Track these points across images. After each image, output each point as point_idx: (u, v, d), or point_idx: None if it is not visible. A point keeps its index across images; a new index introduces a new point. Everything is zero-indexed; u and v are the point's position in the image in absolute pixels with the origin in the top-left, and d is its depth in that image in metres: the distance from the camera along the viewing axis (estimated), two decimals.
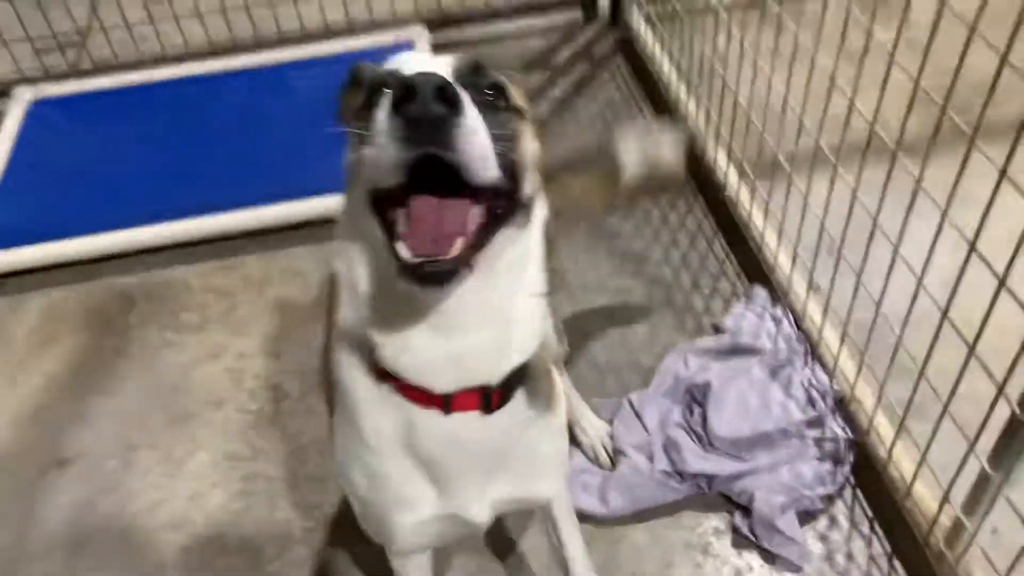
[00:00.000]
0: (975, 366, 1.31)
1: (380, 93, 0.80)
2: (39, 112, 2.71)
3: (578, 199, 1.42)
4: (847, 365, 1.78)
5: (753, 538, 1.64)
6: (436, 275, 0.77)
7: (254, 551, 1.70)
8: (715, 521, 1.70)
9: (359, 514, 1.11)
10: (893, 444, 1.61)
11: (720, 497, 1.72)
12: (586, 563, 1.46)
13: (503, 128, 0.80)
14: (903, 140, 1.41)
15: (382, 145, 0.74)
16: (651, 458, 1.74)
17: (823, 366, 1.82)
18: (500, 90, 0.86)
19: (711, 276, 2.17)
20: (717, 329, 2.00)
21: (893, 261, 1.46)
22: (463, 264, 0.79)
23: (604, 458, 1.77)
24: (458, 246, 0.78)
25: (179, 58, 2.86)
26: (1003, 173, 1.14)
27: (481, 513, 1.03)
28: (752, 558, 1.64)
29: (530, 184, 0.88)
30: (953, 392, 1.36)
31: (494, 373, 0.91)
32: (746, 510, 1.67)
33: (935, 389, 1.42)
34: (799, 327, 1.91)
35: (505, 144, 0.79)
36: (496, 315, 0.89)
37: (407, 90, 0.71)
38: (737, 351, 1.89)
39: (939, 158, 1.32)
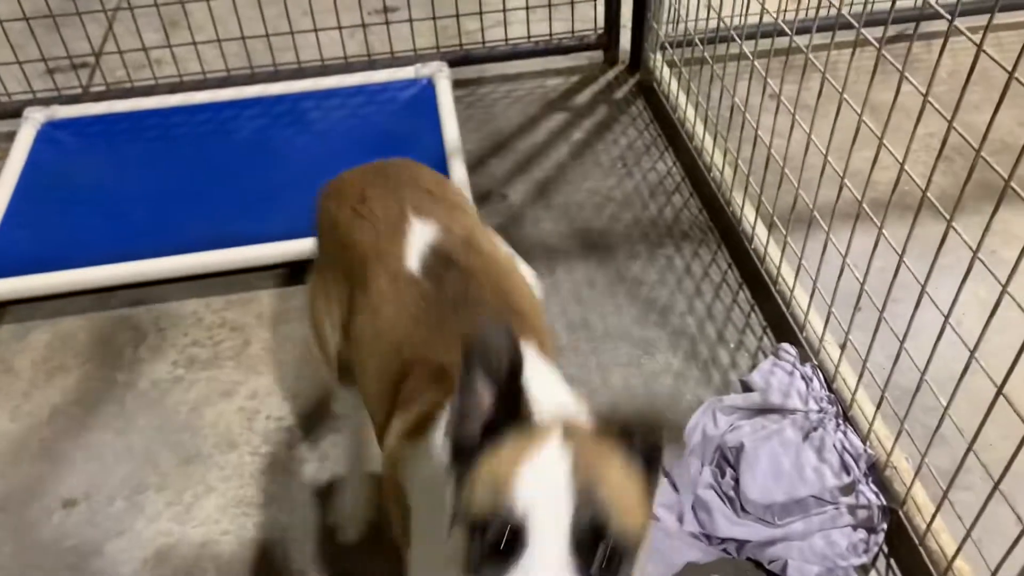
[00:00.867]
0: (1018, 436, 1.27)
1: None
2: (50, 134, 2.65)
3: None
4: (881, 429, 1.75)
5: None
6: None
7: None
8: None
9: None
10: (933, 517, 1.57)
11: (751, 563, 1.68)
12: None
13: None
14: (934, 195, 1.39)
15: None
16: (680, 519, 1.70)
17: (855, 428, 1.78)
18: (618, 552, 0.81)
19: (736, 329, 2.14)
20: (745, 386, 1.96)
21: (942, 330, 1.43)
22: None
23: None
24: None
25: (196, 84, 2.82)
26: None
27: None
28: None
29: None
30: (1006, 471, 1.33)
31: None
32: None
33: (985, 466, 1.38)
34: (830, 388, 1.88)
35: None
36: None
37: None
38: (767, 410, 1.85)
39: (965, 217, 1.31)
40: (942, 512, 1.58)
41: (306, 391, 2.01)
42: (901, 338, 1.57)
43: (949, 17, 1.32)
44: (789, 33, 1.89)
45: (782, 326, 2.08)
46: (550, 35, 2.95)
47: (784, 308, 2.05)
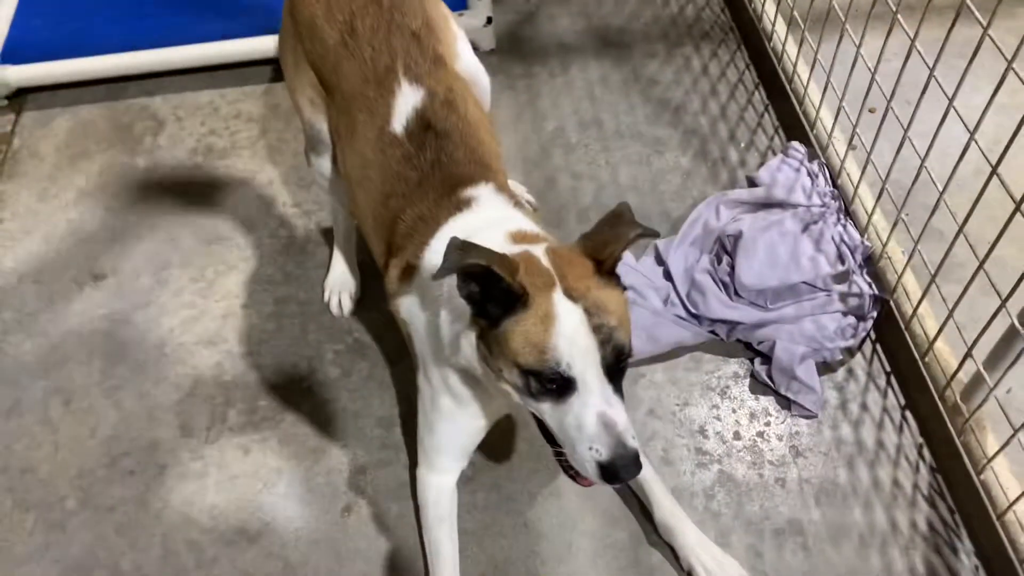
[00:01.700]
0: (1008, 233, 1.30)
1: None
2: None
3: None
4: (880, 223, 1.78)
5: (771, 384, 1.69)
6: None
7: (286, 368, 1.76)
8: (734, 367, 1.74)
9: (433, 442, 1.43)
10: (920, 301, 1.63)
11: (741, 345, 1.76)
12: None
13: (621, 380, 1.14)
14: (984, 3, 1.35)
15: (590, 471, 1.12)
16: (666, 302, 1.77)
17: (855, 223, 1.82)
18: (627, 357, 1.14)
19: (748, 129, 2.14)
20: (751, 182, 1.98)
21: (947, 110, 1.43)
22: None
23: None
24: None
25: None
26: None
27: None
28: (768, 403, 1.69)
29: None
30: (994, 245, 1.36)
31: None
32: (766, 358, 1.71)
33: (972, 247, 1.42)
34: (834, 183, 1.89)
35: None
36: None
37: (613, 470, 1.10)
38: (770, 204, 1.89)
39: (998, 19, 1.28)
40: (929, 300, 1.64)
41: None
42: (905, 127, 1.57)
43: None
44: None
45: (794, 126, 2.07)
46: None
47: (797, 106, 2.04)
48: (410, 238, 1.36)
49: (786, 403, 1.68)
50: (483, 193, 1.36)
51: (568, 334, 1.08)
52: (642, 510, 1.53)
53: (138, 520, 1.57)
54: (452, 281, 1.15)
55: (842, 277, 1.74)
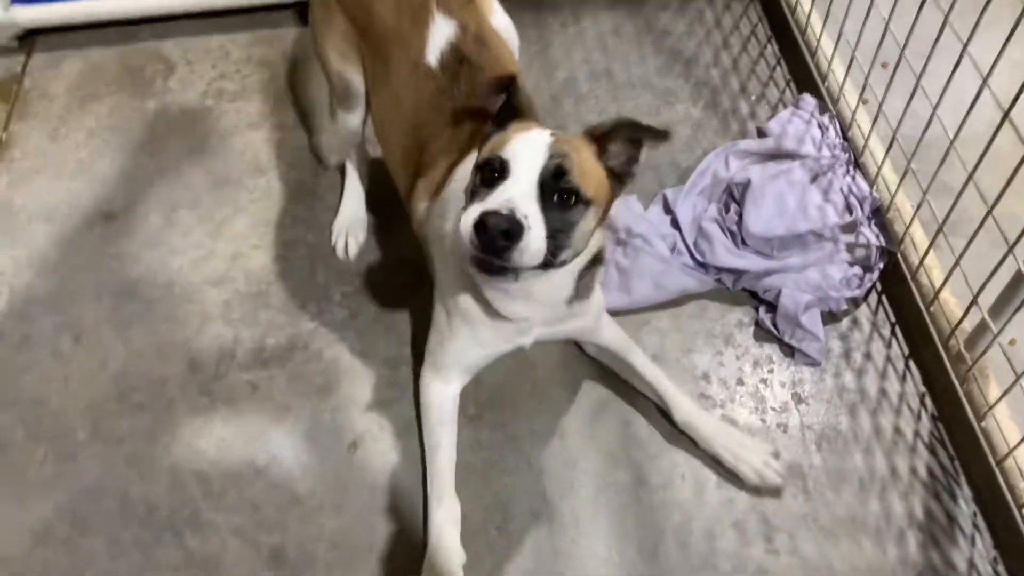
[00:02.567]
0: (1015, 187, 1.30)
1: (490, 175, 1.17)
2: None
3: None
4: (889, 175, 1.78)
5: (775, 332, 1.70)
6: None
7: (294, 309, 1.77)
8: (739, 315, 1.75)
9: (441, 356, 1.47)
10: (927, 253, 1.63)
11: (746, 293, 1.77)
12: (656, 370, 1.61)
13: (563, 222, 1.15)
14: None
15: (467, 234, 1.12)
16: (673, 249, 1.77)
17: (864, 175, 1.82)
18: (573, 192, 1.15)
19: (760, 82, 2.13)
20: (761, 132, 1.98)
21: (959, 60, 1.42)
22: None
23: None
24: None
25: None
26: None
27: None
28: (772, 351, 1.70)
29: (573, 254, 1.22)
30: (1000, 197, 1.36)
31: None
32: (771, 306, 1.72)
33: (983, 195, 1.42)
34: (844, 136, 1.89)
35: (561, 235, 1.15)
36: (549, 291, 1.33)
37: (483, 221, 1.09)
38: (780, 155, 1.88)
39: None
40: (936, 252, 1.64)
41: (330, 126, 2.06)
42: (917, 76, 1.56)
43: None
44: None
45: (805, 80, 2.06)
46: None
47: (809, 59, 2.03)
48: (442, 156, 1.41)
49: (790, 351, 1.69)
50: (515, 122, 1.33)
51: (526, 141, 1.16)
52: (659, 412, 1.58)
53: (147, 452, 1.59)
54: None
55: (850, 227, 1.74)
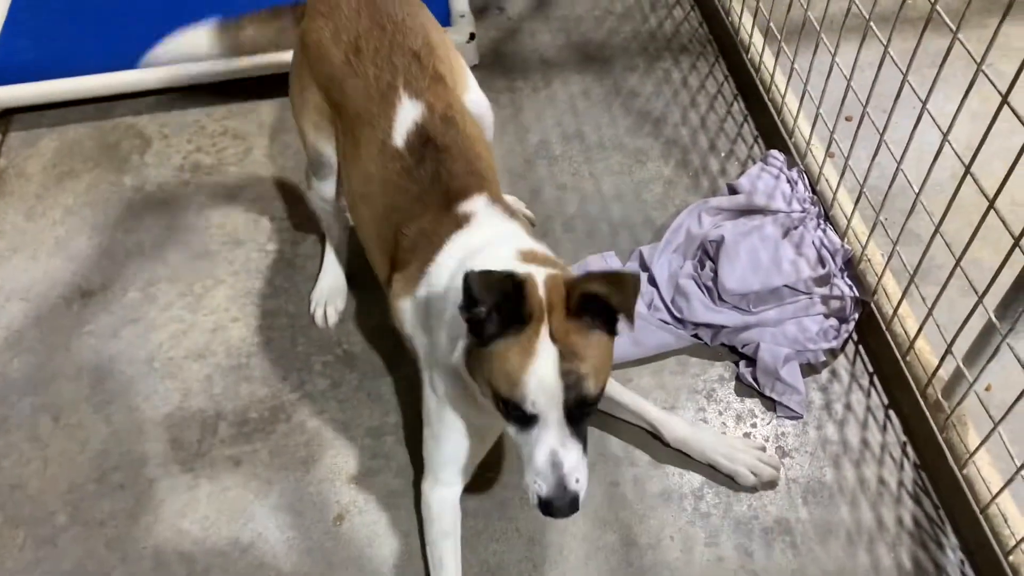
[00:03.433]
0: (982, 235, 1.33)
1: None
2: None
3: None
4: (859, 227, 1.81)
5: (756, 386, 1.71)
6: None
7: (276, 380, 1.76)
8: (720, 370, 1.76)
9: (438, 454, 1.45)
10: (900, 302, 1.66)
11: (725, 348, 1.78)
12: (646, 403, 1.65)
13: (586, 417, 1.18)
14: (953, 14, 1.39)
15: (527, 480, 1.18)
16: (650, 306, 1.79)
17: (835, 227, 1.85)
18: (593, 401, 1.17)
19: (728, 139, 2.18)
20: (732, 189, 2.02)
21: (920, 115, 1.47)
22: None
23: None
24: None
25: None
26: None
27: None
28: (754, 404, 1.71)
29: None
30: (967, 247, 1.40)
31: None
32: (750, 360, 1.74)
33: (949, 246, 1.45)
34: (813, 190, 1.93)
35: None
36: None
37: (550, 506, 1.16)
38: (751, 210, 1.92)
39: (967, 31, 1.32)
40: (909, 301, 1.67)
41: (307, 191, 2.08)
42: (881, 130, 1.61)
43: None
44: None
45: (773, 135, 2.11)
46: None
47: (775, 115, 2.08)
48: (414, 252, 1.40)
49: (771, 404, 1.70)
50: (480, 207, 1.40)
51: (540, 374, 1.13)
52: (649, 442, 1.57)
53: (129, 534, 1.57)
54: (455, 294, 1.21)
55: (823, 280, 1.77)
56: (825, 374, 1.75)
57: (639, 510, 1.56)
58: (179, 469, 1.64)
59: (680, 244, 1.90)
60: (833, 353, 1.76)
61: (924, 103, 1.46)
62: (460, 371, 1.27)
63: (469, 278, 1.09)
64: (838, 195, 1.86)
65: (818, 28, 1.82)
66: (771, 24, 2.08)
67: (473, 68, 2.34)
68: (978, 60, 1.29)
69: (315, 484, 1.61)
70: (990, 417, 1.41)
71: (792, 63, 1.98)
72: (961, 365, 1.47)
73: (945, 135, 1.41)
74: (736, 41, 2.27)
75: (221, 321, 1.87)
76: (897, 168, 1.58)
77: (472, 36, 2.30)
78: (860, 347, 1.78)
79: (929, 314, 1.54)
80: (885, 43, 1.56)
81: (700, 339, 1.77)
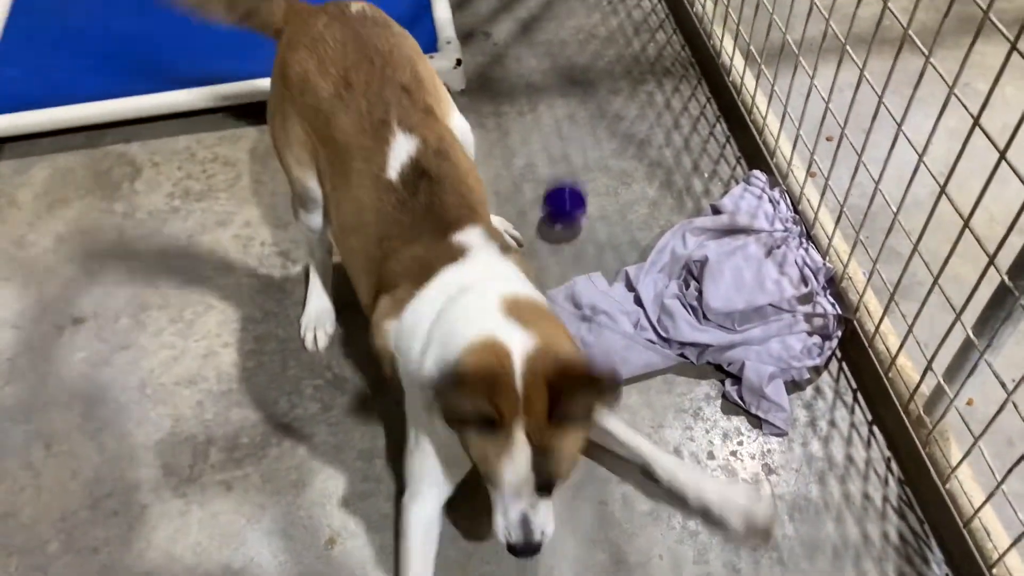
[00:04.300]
0: (961, 251, 1.36)
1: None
2: None
3: None
4: (840, 246, 1.85)
5: (742, 404, 1.74)
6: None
7: (266, 404, 1.78)
8: (706, 388, 1.79)
9: (415, 469, 1.48)
10: (881, 319, 1.69)
11: (711, 367, 1.81)
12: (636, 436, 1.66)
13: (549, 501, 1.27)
14: (911, 31, 1.42)
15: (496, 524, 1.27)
16: (636, 326, 1.82)
17: (817, 246, 1.88)
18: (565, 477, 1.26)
19: (711, 160, 2.21)
20: (716, 210, 2.05)
21: (896, 136, 1.50)
22: None
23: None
24: None
25: None
26: (1014, 45, 1.17)
27: None
28: (740, 423, 1.73)
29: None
30: (944, 265, 1.43)
31: None
32: (736, 379, 1.76)
33: (927, 264, 1.48)
34: (795, 209, 1.96)
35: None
36: None
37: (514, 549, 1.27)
38: (734, 230, 1.95)
39: (944, 51, 1.35)
40: (891, 318, 1.70)
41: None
42: (859, 151, 1.64)
43: None
44: None
45: (755, 156, 2.15)
46: None
47: (756, 136, 2.12)
48: (403, 276, 1.42)
49: (757, 422, 1.73)
50: (474, 240, 1.42)
51: (513, 469, 1.21)
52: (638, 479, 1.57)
53: (122, 560, 1.57)
54: (438, 332, 1.30)
55: (806, 298, 1.80)
56: (809, 391, 1.77)
57: (628, 529, 1.58)
58: (171, 495, 1.65)
59: (665, 264, 1.93)
60: (817, 370, 1.79)
61: (899, 125, 1.49)
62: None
63: (441, 395, 1.16)
64: (819, 214, 1.89)
65: (796, 51, 1.86)
66: (751, 47, 2.13)
67: (460, 93, 2.39)
68: (951, 83, 1.32)
69: (306, 508, 1.63)
70: (971, 432, 1.44)
71: (772, 85, 2.02)
72: (941, 381, 1.50)
73: (920, 156, 1.45)
74: (718, 64, 2.31)
75: (212, 346, 1.88)
76: (875, 188, 1.61)
77: (459, 62, 2.33)
78: (843, 364, 1.81)
79: (909, 331, 1.57)
80: (861, 66, 1.59)
81: (686, 358, 1.80)
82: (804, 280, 1.82)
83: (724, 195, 2.07)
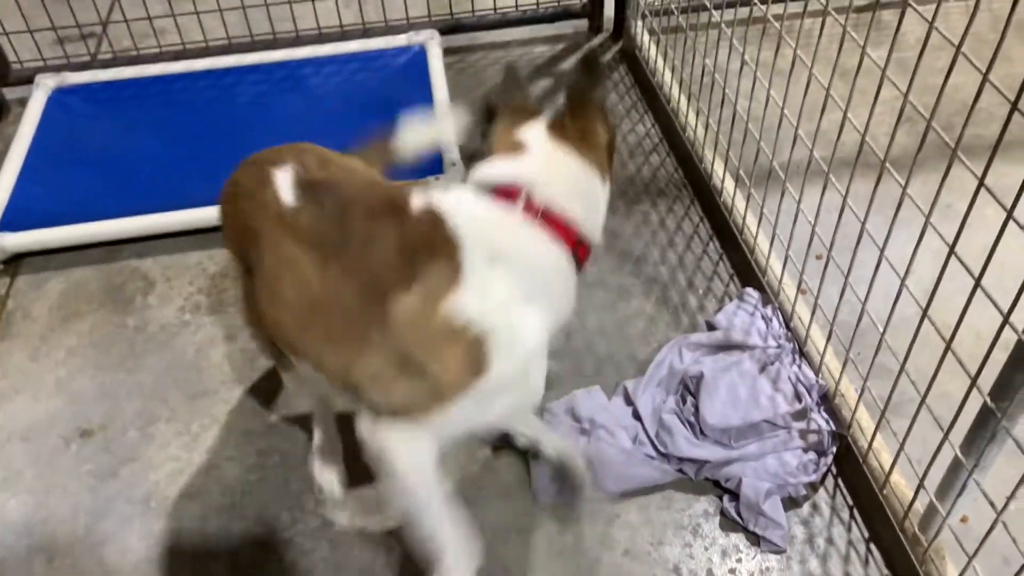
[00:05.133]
0: (950, 368, 1.42)
1: None
2: (61, 99, 2.80)
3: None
4: (832, 363, 1.90)
5: (740, 521, 1.75)
6: None
7: (268, 519, 1.79)
8: (704, 504, 1.80)
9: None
10: (873, 437, 1.72)
11: (709, 483, 1.83)
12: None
13: None
14: (891, 155, 1.51)
15: None
16: (635, 440, 1.85)
17: (809, 363, 1.93)
18: None
19: (705, 277, 2.29)
20: (710, 326, 2.11)
21: (879, 261, 1.57)
22: None
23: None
24: None
25: (198, 52, 2.95)
26: (981, 182, 1.25)
27: None
28: (738, 539, 1.74)
29: None
30: (931, 385, 1.48)
31: None
32: (734, 495, 1.78)
33: (914, 383, 1.53)
34: (787, 326, 2.02)
35: None
36: None
37: None
38: (729, 346, 2.00)
39: (924, 174, 1.44)
40: (883, 434, 1.73)
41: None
42: (846, 272, 1.71)
43: None
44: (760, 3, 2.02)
45: (747, 273, 2.22)
46: (537, 4, 3.07)
47: (748, 255, 2.20)
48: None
49: (755, 539, 1.74)
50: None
51: None
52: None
53: None
54: None
55: (800, 415, 1.84)
56: (806, 507, 1.79)
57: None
58: None
59: (663, 378, 1.98)
60: (813, 487, 1.81)
61: (881, 251, 1.57)
62: None
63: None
64: (811, 331, 1.95)
65: (783, 175, 1.96)
66: (740, 170, 2.23)
67: None
68: (929, 207, 1.39)
69: None
70: (963, 551, 1.46)
71: (761, 206, 2.11)
72: (934, 499, 1.52)
73: (903, 279, 1.52)
74: (709, 185, 2.41)
75: (216, 460, 1.91)
76: (862, 309, 1.67)
77: None
78: (839, 480, 1.83)
79: (900, 449, 1.60)
80: (844, 193, 1.68)
81: (684, 473, 1.82)
82: (798, 396, 1.86)
83: (718, 311, 2.13)
